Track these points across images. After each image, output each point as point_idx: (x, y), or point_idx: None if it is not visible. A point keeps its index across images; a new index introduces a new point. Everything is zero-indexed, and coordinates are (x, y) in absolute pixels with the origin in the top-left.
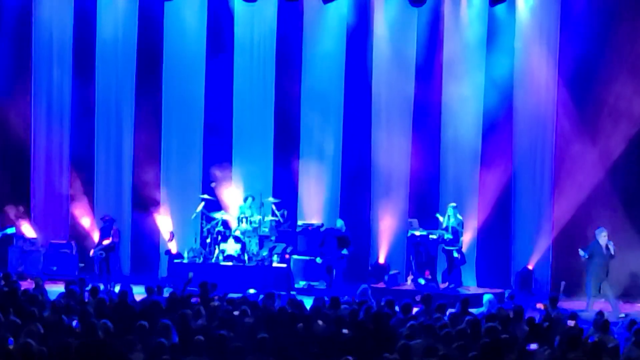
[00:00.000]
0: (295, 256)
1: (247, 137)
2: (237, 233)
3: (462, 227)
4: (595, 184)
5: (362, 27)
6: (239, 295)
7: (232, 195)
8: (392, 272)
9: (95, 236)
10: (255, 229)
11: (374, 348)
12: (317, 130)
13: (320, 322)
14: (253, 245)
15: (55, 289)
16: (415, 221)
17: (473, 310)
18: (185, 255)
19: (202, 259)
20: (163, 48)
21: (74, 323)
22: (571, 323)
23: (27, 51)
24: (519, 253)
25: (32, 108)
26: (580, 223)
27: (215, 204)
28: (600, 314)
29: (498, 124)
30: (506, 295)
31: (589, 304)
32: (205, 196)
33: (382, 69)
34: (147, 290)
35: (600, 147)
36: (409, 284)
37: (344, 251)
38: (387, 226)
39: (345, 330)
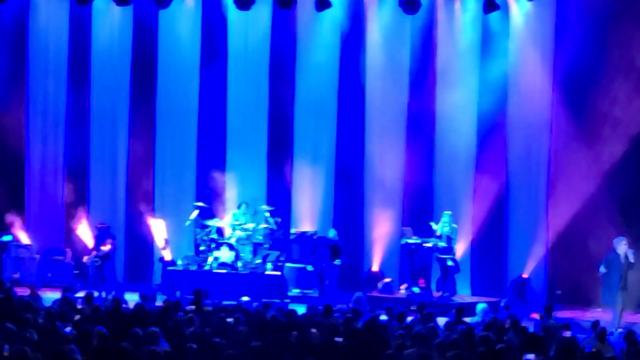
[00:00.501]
0: (288, 264)
1: (241, 145)
2: (231, 241)
3: (456, 235)
4: (590, 191)
5: (356, 34)
6: (233, 302)
7: (226, 202)
8: (385, 280)
9: (90, 243)
10: (249, 237)
11: (368, 356)
12: (311, 137)
13: (314, 331)
14: (247, 253)
15: (50, 295)
16: (409, 229)
17: (467, 319)
18: (179, 262)
19: (196, 266)
20: (157, 56)
21: (68, 330)
22: (567, 333)
23: (22, 60)
24: (513, 261)
25: (27, 116)
26: (576, 231)
27: (209, 212)
28: (596, 323)
29: (492, 131)
30: (502, 304)
31: (617, 318)
32: (200, 204)
33: (375, 77)
34: (142, 296)
35: (596, 153)
36: (402, 292)
37: (337, 262)
38: (381, 234)
39: (339, 339)
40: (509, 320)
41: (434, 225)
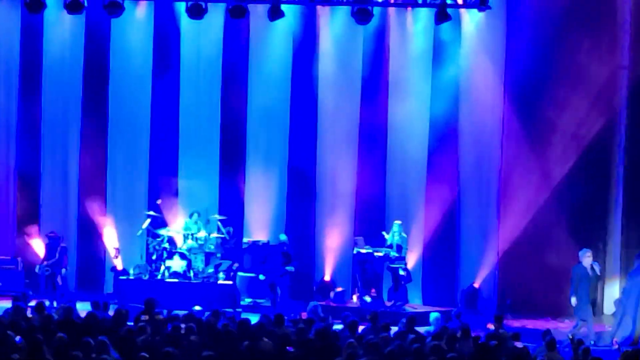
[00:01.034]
0: (240, 273)
1: (194, 154)
2: (183, 250)
3: (407, 245)
4: (540, 202)
5: (309, 44)
6: (185, 312)
7: (179, 212)
8: (337, 290)
9: (41, 252)
10: (201, 246)
11: None
12: (263, 146)
13: (266, 340)
14: (199, 262)
15: (0, 304)
16: (361, 239)
17: (420, 329)
18: (131, 271)
19: (147, 275)
20: (110, 64)
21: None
22: (517, 343)
23: None
24: (465, 271)
25: None
26: (527, 240)
27: (161, 221)
28: (547, 332)
29: (444, 141)
30: (453, 313)
31: (578, 326)
32: (151, 213)
33: (328, 86)
34: (94, 305)
35: (546, 162)
36: (354, 301)
37: (290, 267)
38: (332, 243)
39: (290, 348)
40: (460, 330)
41: (385, 235)
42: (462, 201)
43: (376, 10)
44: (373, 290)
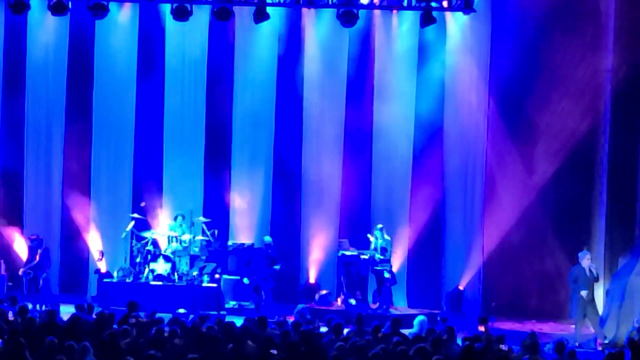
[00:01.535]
0: (225, 276)
1: (178, 156)
2: (168, 252)
3: (391, 247)
4: (525, 205)
5: (294, 46)
6: (169, 315)
7: (163, 214)
8: (322, 292)
9: (24, 255)
10: (185, 249)
11: None
12: (248, 149)
13: (250, 343)
14: (183, 265)
15: None
16: (346, 241)
17: (404, 331)
18: (115, 274)
19: (132, 278)
20: (94, 66)
21: None
22: (501, 346)
23: None
24: (449, 273)
25: None
26: (511, 243)
27: (145, 223)
28: (532, 335)
29: (429, 143)
30: (439, 317)
31: (577, 329)
32: (135, 215)
33: (313, 88)
34: (78, 308)
35: (531, 165)
36: (339, 304)
37: (276, 266)
38: (317, 246)
39: (274, 351)
40: (446, 333)
41: (371, 238)
42: (447, 203)
43: (361, 12)
44: (358, 293)
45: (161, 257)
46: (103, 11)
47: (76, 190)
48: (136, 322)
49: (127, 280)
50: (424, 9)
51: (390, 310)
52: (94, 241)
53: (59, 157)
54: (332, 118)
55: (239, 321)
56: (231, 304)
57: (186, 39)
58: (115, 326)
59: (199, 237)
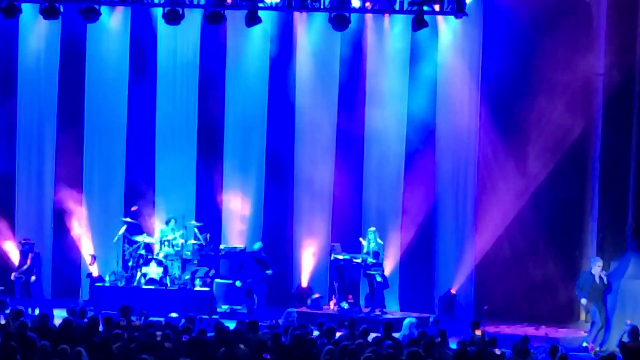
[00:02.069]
0: (217, 280)
1: (170, 160)
2: (160, 256)
3: (383, 251)
4: (517, 207)
5: (286, 50)
6: (161, 319)
7: (155, 218)
8: (315, 296)
9: (16, 259)
10: (177, 252)
11: None
12: (240, 153)
13: (242, 347)
14: (175, 269)
15: None
16: (338, 245)
17: (395, 335)
18: (107, 278)
19: (124, 282)
20: (85, 70)
21: None
22: (493, 349)
23: None
24: (442, 277)
25: None
26: (503, 247)
27: (137, 227)
28: (524, 339)
29: (421, 149)
30: (431, 320)
31: (597, 336)
32: (128, 219)
33: (305, 92)
34: (70, 312)
35: (523, 171)
36: (332, 308)
37: (269, 271)
38: (310, 250)
39: (266, 355)
40: (439, 336)
41: (363, 241)
42: (439, 207)
43: (353, 16)
44: (350, 297)
45: (153, 261)
46: (95, 15)
47: (68, 194)
48: (128, 326)
49: (119, 285)
50: (415, 12)
51: (383, 314)
52: (86, 245)
53: (51, 161)
54: (324, 121)
55: (230, 325)
56: (223, 308)
57: (178, 43)
58: (102, 329)
59: (191, 241)
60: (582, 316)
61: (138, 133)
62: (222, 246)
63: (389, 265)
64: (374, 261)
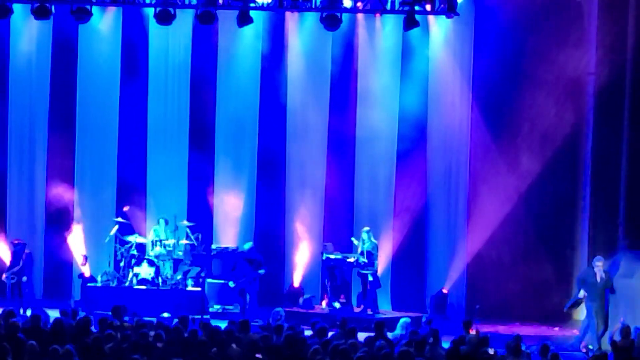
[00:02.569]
0: (209, 280)
1: (162, 160)
2: (151, 256)
3: (377, 251)
4: (509, 206)
5: (277, 50)
6: (153, 319)
7: (147, 218)
8: (306, 296)
9: (7, 260)
10: (169, 253)
11: None
12: (232, 152)
13: (234, 346)
14: (167, 269)
15: None
16: (330, 245)
17: (388, 334)
18: (99, 278)
19: (115, 282)
20: (77, 70)
21: None
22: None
23: None
24: (434, 276)
25: None
26: (495, 246)
27: (129, 227)
28: (517, 338)
29: (412, 149)
30: (423, 319)
31: (594, 337)
32: (119, 219)
33: (297, 92)
34: (62, 313)
35: (515, 169)
36: (324, 307)
37: (261, 271)
38: (302, 250)
39: (258, 355)
40: (431, 335)
41: (355, 241)
42: (430, 206)
43: (345, 16)
44: (342, 297)
45: (145, 261)
46: (86, 15)
47: (60, 194)
48: (120, 327)
49: (111, 285)
50: (407, 12)
51: (368, 312)
52: (77, 245)
53: (43, 161)
54: (316, 121)
55: (223, 325)
56: (215, 307)
57: (169, 43)
58: (93, 329)
59: (183, 241)
60: (576, 315)
61: (130, 133)
62: (214, 246)
63: (381, 264)
64: (366, 261)
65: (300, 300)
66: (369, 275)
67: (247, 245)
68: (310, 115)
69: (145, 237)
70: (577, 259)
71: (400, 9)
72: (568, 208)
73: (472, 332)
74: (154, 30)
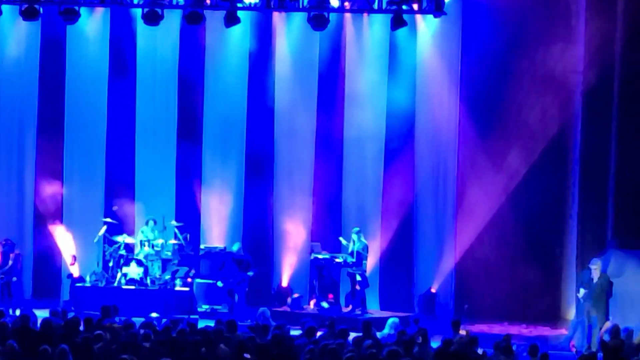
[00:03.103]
0: (198, 280)
1: (150, 160)
2: (140, 256)
3: (367, 251)
4: (497, 206)
5: (265, 50)
6: (142, 319)
7: (135, 218)
8: (295, 296)
9: None
10: (157, 253)
11: None
12: (220, 152)
13: (222, 347)
14: (155, 269)
15: None
16: (318, 244)
17: (377, 334)
18: (88, 279)
19: (104, 282)
20: (65, 71)
21: None
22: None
23: None
24: (422, 276)
25: None
26: (483, 246)
27: (117, 228)
28: (506, 337)
29: (400, 149)
30: (411, 318)
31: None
32: (108, 219)
33: (284, 92)
34: (52, 313)
35: (502, 170)
36: (312, 307)
37: (250, 273)
38: (290, 249)
39: (247, 355)
40: (420, 335)
41: (343, 241)
42: (418, 206)
43: (332, 16)
44: (330, 296)
45: (134, 261)
46: (74, 16)
47: (48, 194)
48: (109, 327)
49: (100, 285)
50: (394, 12)
51: (357, 312)
52: (66, 245)
53: (31, 162)
54: (303, 121)
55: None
56: (204, 307)
57: (157, 44)
58: (82, 329)
59: (172, 241)
60: (567, 315)
61: (118, 133)
62: (202, 246)
63: (369, 264)
64: (354, 260)
65: (289, 300)
66: (357, 275)
67: (236, 246)
68: (298, 114)
69: (133, 237)
70: (565, 258)
71: (388, 8)
72: (557, 207)
73: (462, 332)
74: (142, 30)
